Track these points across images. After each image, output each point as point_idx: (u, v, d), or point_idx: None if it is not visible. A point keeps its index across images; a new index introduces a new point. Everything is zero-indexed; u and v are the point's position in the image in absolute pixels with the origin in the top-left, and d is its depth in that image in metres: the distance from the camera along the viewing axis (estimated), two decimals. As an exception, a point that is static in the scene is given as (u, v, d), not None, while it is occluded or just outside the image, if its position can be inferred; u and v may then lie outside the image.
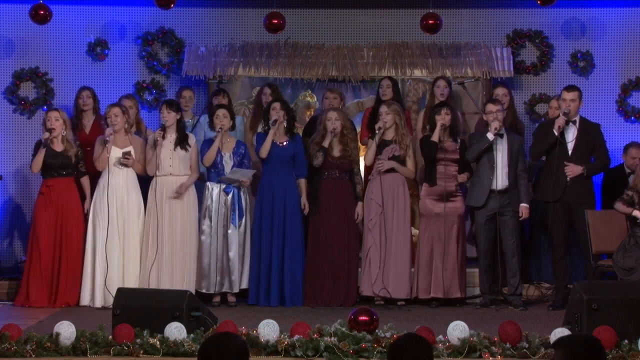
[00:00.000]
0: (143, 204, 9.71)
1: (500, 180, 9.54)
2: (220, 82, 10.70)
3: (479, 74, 10.82)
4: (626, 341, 7.00)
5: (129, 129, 9.84)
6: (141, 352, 7.03)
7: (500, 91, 10.32)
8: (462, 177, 9.70)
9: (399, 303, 9.58)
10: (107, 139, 9.59)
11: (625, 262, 8.99)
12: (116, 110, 9.70)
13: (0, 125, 11.24)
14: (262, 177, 9.84)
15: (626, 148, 10.46)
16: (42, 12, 10.50)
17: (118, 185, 9.64)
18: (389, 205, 9.64)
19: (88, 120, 10.44)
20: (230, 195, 9.64)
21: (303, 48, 11.05)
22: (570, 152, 9.61)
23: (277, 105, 9.78)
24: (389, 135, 9.75)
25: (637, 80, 11.23)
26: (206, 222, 9.65)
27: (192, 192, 9.76)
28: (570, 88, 9.70)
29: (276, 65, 10.93)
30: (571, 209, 9.57)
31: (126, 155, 9.66)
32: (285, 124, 9.74)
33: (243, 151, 9.78)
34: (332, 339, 7.03)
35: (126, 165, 9.68)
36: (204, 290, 9.59)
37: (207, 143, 9.77)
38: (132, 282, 9.53)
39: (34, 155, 9.78)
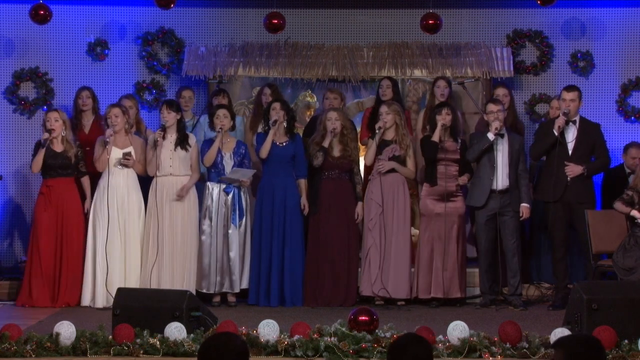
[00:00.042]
0: (144, 204, 9.71)
1: (501, 180, 9.54)
2: (220, 82, 10.70)
3: (479, 74, 10.82)
4: (626, 341, 7.00)
5: (129, 130, 9.84)
6: (141, 352, 7.03)
7: (500, 91, 10.31)
8: (463, 180, 9.69)
9: (399, 303, 9.58)
10: (108, 140, 9.59)
11: (625, 262, 8.99)
12: (116, 110, 9.70)
13: (0, 125, 11.24)
14: (262, 177, 9.84)
15: (626, 148, 10.46)
16: (42, 12, 10.50)
17: (118, 185, 9.64)
18: (389, 205, 9.64)
19: (87, 120, 10.44)
20: (230, 195, 9.64)
21: (303, 48, 11.05)
22: (570, 152, 9.61)
23: (277, 105, 9.78)
24: (389, 135, 9.75)
25: (637, 80, 11.23)
26: (206, 222, 9.65)
27: (192, 193, 9.75)
28: (570, 88, 9.71)
29: (276, 65, 10.93)
30: (571, 209, 9.57)
31: (126, 156, 9.66)
32: (285, 124, 9.74)
33: (243, 151, 9.78)
34: (332, 339, 7.03)
35: (126, 166, 9.68)
36: (204, 290, 9.59)
37: (207, 143, 9.77)
38: (133, 283, 9.53)
39: (34, 155, 9.78)
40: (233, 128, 9.84)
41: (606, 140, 9.84)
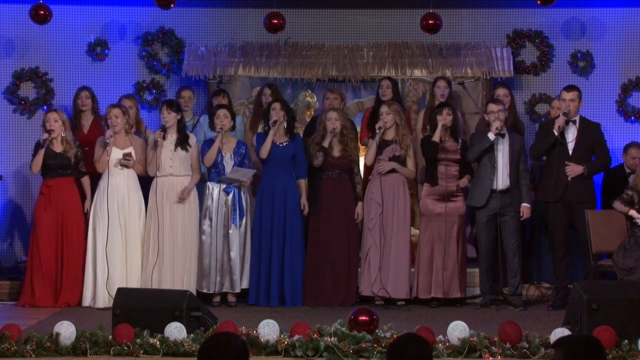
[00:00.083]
0: (144, 204, 9.71)
1: (501, 180, 9.54)
2: (220, 82, 10.70)
3: (479, 74, 10.82)
4: (626, 341, 7.00)
5: (130, 130, 9.84)
6: (141, 352, 7.03)
7: (501, 92, 10.31)
8: (463, 182, 9.69)
9: (399, 303, 9.58)
10: (108, 141, 9.59)
11: (625, 262, 8.99)
12: (116, 111, 9.69)
13: (0, 125, 11.24)
14: (262, 178, 9.84)
15: (626, 148, 10.46)
16: (42, 12, 10.50)
17: (119, 186, 9.64)
18: (389, 205, 9.64)
19: (87, 120, 10.44)
20: (230, 195, 9.64)
21: (303, 48, 11.05)
22: (570, 152, 9.61)
23: (277, 105, 9.78)
24: (390, 135, 9.75)
25: (637, 80, 11.23)
26: (206, 222, 9.65)
27: (193, 193, 9.75)
28: (569, 88, 9.71)
29: (276, 65, 10.93)
30: (572, 208, 9.57)
31: (127, 156, 9.66)
32: (285, 124, 9.74)
33: (244, 151, 9.78)
34: (332, 339, 7.03)
35: (127, 167, 9.68)
36: (204, 290, 9.59)
37: (208, 143, 9.77)
38: (134, 283, 9.53)
39: (34, 155, 9.78)
40: (233, 128, 9.84)
41: (606, 140, 9.84)
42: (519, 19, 11.30)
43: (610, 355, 6.85)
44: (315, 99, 11.08)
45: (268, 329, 7.14)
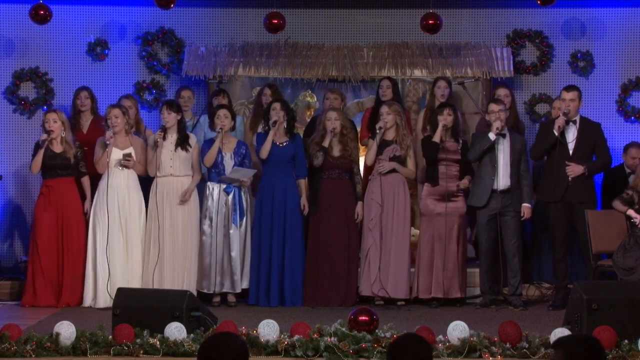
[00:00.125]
0: (144, 204, 9.71)
1: (502, 180, 9.54)
2: (220, 82, 10.70)
3: (479, 74, 10.82)
4: (626, 341, 7.00)
5: (130, 130, 9.84)
6: (141, 352, 7.03)
7: (501, 92, 10.30)
8: (464, 183, 9.68)
9: (399, 303, 9.58)
10: (108, 142, 9.59)
11: (625, 262, 8.99)
12: (116, 111, 9.69)
13: (0, 125, 11.24)
14: (262, 177, 9.84)
15: (626, 148, 10.46)
16: (42, 12, 10.50)
17: (119, 186, 9.64)
18: (389, 205, 9.64)
19: (86, 120, 10.44)
20: (231, 195, 9.64)
21: (303, 48, 11.05)
22: (571, 152, 9.61)
23: (277, 105, 9.77)
24: (390, 135, 9.75)
25: (637, 80, 11.23)
26: (207, 222, 9.65)
27: (193, 193, 9.75)
28: (569, 88, 9.71)
29: (276, 65, 10.93)
30: (572, 209, 9.57)
31: (127, 157, 9.66)
32: (285, 124, 9.74)
33: (244, 151, 9.78)
34: (332, 339, 7.03)
35: (127, 167, 9.68)
36: (205, 290, 9.59)
37: (208, 143, 9.77)
38: (135, 283, 9.53)
39: (34, 156, 9.77)
40: (233, 128, 9.84)
41: (606, 139, 9.83)
42: (519, 19, 11.30)
43: (610, 355, 6.85)
44: (315, 99, 11.08)
45: (268, 329, 7.14)
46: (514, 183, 9.54)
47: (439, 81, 10.42)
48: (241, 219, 9.65)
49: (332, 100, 10.23)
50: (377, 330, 7.17)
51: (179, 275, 9.60)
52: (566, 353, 4.03)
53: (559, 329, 7.15)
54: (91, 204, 9.71)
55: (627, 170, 10.30)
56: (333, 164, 9.75)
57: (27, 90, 11.26)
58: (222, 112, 9.69)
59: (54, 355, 7.05)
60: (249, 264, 9.69)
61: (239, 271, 9.63)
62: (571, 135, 9.63)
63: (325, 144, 9.71)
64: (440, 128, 9.60)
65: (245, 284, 9.69)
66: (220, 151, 9.66)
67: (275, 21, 10.51)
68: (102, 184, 9.66)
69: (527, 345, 7.05)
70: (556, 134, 9.51)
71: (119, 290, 7.73)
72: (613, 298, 7.37)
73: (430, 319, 8.65)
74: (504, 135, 9.57)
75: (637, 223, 9.02)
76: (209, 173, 9.77)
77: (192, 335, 7.17)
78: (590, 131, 9.68)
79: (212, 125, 9.79)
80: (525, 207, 9.55)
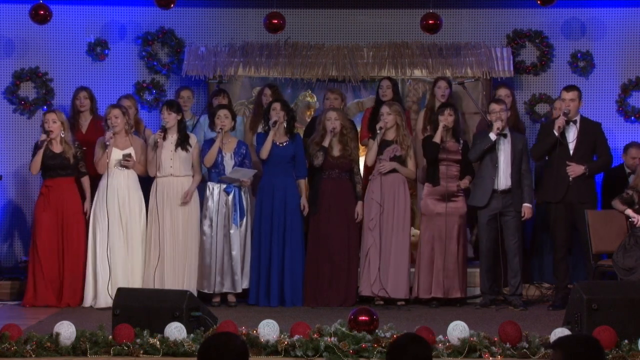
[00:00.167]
0: (144, 204, 9.71)
1: (503, 180, 9.54)
2: (220, 82, 10.70)
3: (479, 74, 10.81)
4: (626, 341, 7.00)
5: (129, 130, 9.84)
6: (141, 352, 7.03)
7: (502, 92, 10.29)
8: (464, 183, 9.68)
9: (399, 303, 9.58)
10: (108, 142, 9.59)
11: (625, 262, 8.99)
12: (116, 111, 9.69)
13: (0, 125, 11.25)
14: (262, 177, 9.84)
15: (626, 148, 10.46)
16: (42, 12, 10.50)
17: (120, 186, 9.64)
18: (389, 205, 9.64)
19: (85, 120, 10.44)
20: (231, 195, 9.64)
21: (303, 48, 11.05)
22: (571, 152, 9.61)
23: (277, 105, 9.77)
24: (390, 135, 9.75)
25: (637, 80, 11.23)
26: (207, 222, 9.65)
27: (193, 193, 9.76)
28: (569, 88, 9.70)
29: (276, 65, 10.93)
30: (573, 209, 9.56)
31: (126, 157, 9.66)
32: (285, 124, 9.74)
33: (244, 151, 9.78)
34: (332, 339, 7.03)
35: (127, 167, 9.68)
36: (205, 291, 9.59)
37: (208, 143, 9.77)
38: (136, 283, 9.53)
39: (33, 156, 9.77)
40: (233, 128, 9.84)
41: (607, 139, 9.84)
42: (519, 19, 11.30)
43: (610, 355, 6.85)
44: (315, 99, 11.08)
45: (268, 329, 7.14)
46: (514, 183, 9.54)
47: (439, 81, 10.41)
48: (241, 219, 9.65)
49: (332, 100, 10.23)
50: (377, 330, 7.17)
51: (179, 276, 9.60)
52: (565, 353, 4.03)
53: (559, 329, 7.15)
54: (91, 204, 9.71)
55: (627, 170, 10.30)
56: (333, 164, 9.75)
57: (27, 90, 11.27)
58: (223, 113, 9.69)
59: (54, 355, 7.05)
60: (248, 264, 9.69)
61: (240, 271, 9.63)
62: (572, 135, 9.63)
63: (325, 143, 9.71)
64: (440, 128, 9.59)
65: (245, 284, 9.69)
66: (220, 151, 9.66)
67: (275, 21, 10.51)
68: (102, 184, 9.66)
69: (527, 345, 7.05)
70: (556, 134, 9.51)
71: (119, 290, 7.73)
72: (613, 298, 7.37)
73: (430, 319, 8.65)
74: (505, 135, 9.57)
75: (635, 222, 9.02)
76: (209, 173, 9.77)
77: (192, 335, 7.17)
78: (591, 131, 9.68)
79: (212, 126, 9.79)
80: (526, 207, 9.54)
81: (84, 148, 9.88)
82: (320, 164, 9.70)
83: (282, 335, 7.13)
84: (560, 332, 6.95)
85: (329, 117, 9.75)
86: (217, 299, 9.64)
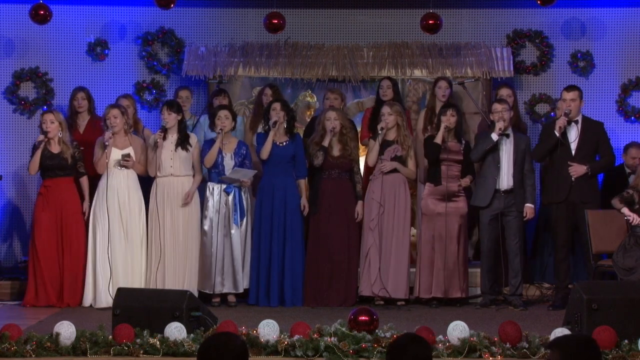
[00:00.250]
0: (144, 204, 9.71)
1: (505, 180, 9.53)
2: (220, 82, 10.70)
3: (479, 74, 10.81)
4: (626, 341, 7.00)
5: (129, 130, 9.84)
6: (141, 352, 7.03)
7: (504, 92, 10.28)
8: (465, 182, 9.69)
9: (399, 303, 9.58)
10: (107, 142, 9.59)
11: (625, 262, 8.98)
12: (115, 111, 9.69)
13: (0, 125, 11.25)
14: (262, 177, 9.84)
15: (626, 148, 10.46)
16: (42, 12, 10.50)
17: (120, 186, 9.64)
18: (389, 205, 9.64)
19: (82, 120, 10.43)
20: (231, 196, 9.64)
21: (303, 48, 11.05)
22: (573, 152, 9.60)
23: (277, 105, 9.77)
24: (391, 135, 9.75)
25: (637, 80, 11.23)
26: (207, 222, 9.65)
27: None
28: (570, 88, 9.70)
29: (276, 65, 10.93)
30: (575, 209, 9.55)
31: (125, 157, 9.66)
32: (285, 124, 9.74)
33: (244, 152, 9.77)
34: (332, 339, 7.03)
35: (126, 167, 9.68)
36: (206, 291, 9.59)
37: (208, 144, 9.77)
38: (136, 283, 9.53)
39: (32, 157, 9.77)
40: (234, 128, 9.84)
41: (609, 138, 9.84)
42: (519, 19, 11.30)
43: (610, 355, 6.85)
44: (315, 99, 11.08)
45: (268, 329, 7.14)
46: (517, 183, 9.53)
47: (439, 81, 10.41)
48: (242, 219, 9.65)
49: (332, 100, 10.23)
50: (377, 330, 7.17)
51: (180, 276, 9.61)
52: (562, 353, 4.03)
53: (559, 329, 7.15)
54: (90, 204, 9.72)
55: (627, 170, 10.30)
56: (333, 164, 9.75)
57: (27, 90, 11.27)
58: (223, 113, 9.69)
59: (54, 355, 7.06)
60: (249, 264, 9.69)
61: (241, 271, 9.62)
62: (573, 135, 9.62)
63: (325, 143, 9.71)
64: (442, 129, 9.59)
65: (245, 284, 9.69)
66: (220, 152, 9.66)
67: (275, 21, 10.51)
68: (102, 184, 9.66)
69: (527, 345, 7.05)
70: (557, 134, 9.50)
71: (119, 290, 7.73)
72: (613, 298, 7.37)
73: (430, 319, 8.65)
74: (507, 136, 9.57)
75: (630, 221, 9.02)
76: (210, 173, 9.77)
77: (192, 335, 7.17)
78: (593, 130, 9.67)
79: (212, 126, 9.79)
80: (528, 207, 9.53)
81: (82, 148, 9.87)
82: (320, 163, 9.71)
83: (282, 335, 7.13)
84: (560, 332, 6.95)
85: (328, 117, 9.75)
86: (217, 299, 9.64)
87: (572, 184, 9.54)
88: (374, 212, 9.63)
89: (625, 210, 9.01)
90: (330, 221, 9.71)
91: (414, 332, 6.47)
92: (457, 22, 11.24)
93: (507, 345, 7.04)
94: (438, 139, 9.59)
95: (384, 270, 9.51)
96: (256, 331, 7.15)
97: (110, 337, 7.13)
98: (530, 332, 7.30)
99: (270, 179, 9.73)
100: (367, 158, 9.91)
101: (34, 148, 9.79)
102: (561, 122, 9.49)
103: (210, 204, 9.64)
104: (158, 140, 9.60)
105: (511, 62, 10.88)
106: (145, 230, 9.68)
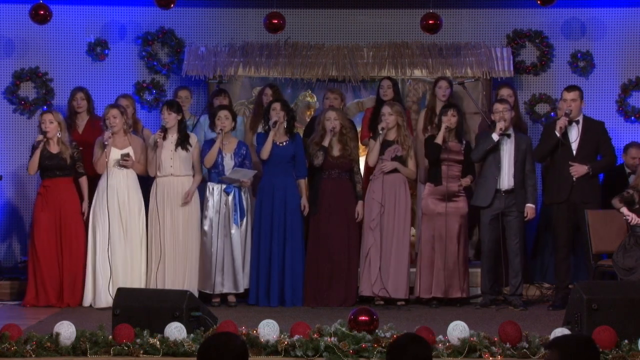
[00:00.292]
0: (144, 203, 9.71)
1: (506, 180, 9.53)
2: (220, 82, 10.70)
3: (479, 74, 10.81)
4: (626, 341, 7.00)
5: (128, 130, 9.84)
6: (141, 352, 7.03)
7: (505, 92, 10.27)
8: (466, 181, 9.69)
9: (399, 303, 9.58)
10: (106, 142, 9.59)
11: (625, 262, 8.98)
12: (115, 111, 9.69)
13: (0, 125, 11.25)
14: (262, 178, 9.84)
15: (626, 148, 10.46)
16: (42, 12, 10.50)
17: (119, 186, 9.64)
18: (390, 205, 9.64)
19: (81, 121, 10.42)
20: (231, 196, 9.64)
21: (303, 48, 11.05)
22: (574, 152, 9.59)
23: (277, 105, 9.77)
24: (391, 135, 9.75)
25: (637, 80, 11.23)
26: (207, 222, 9.65)
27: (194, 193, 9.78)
28: (570, 88, 9.70)
29: (276, 65, 10.93)
30: (576, 209, 9.55)
31: (125, 157, 9.66)
32: (285, 124, 9.74)
33: (244, 152, 9.77)
34: (332, 339, 7.03)
35: (125, 167, 9.68)
36: (206, 291, 9.59)
37: (208, 144, 9.77)
38: (136, 283, 9.52)
39: (31, 157, 9.77)
40: (234, 128, 9.85)
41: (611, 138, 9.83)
42: (519, 19, 11.30)
43: (610, 355, 6.85)
44: (315, 99, 11.08)
45: (268, 329, 7.15)
46: (518, 183, 9.53)
47: (440, 81, 10.40)
48: (242, 219, 9.65)
49: (332, 100, 10.23)
50: (377, 330, 7.17)
51: (180, 276, 9.61)
52: (562, 353, 4.03)
53: (559, 329, 7.15)
54: (89, 204, 9.72)
55: (627, 170, 10.30)
56: (333, 164, 9.75)
57: (27, 90, 11.27)
58: (223, 114, 9.69)
59: (54, 355, 7.06)
60: (249, 264, 9.69)
61: (241, 271, 9.62)
62: (574, 135, 9.62)
63: (325, 143, 9.71)
64: (442, 129, 9.58)
65: (245, 284, 9.69)
66: (220, 152, 9.66)
67: (275, 21, 10.51)
68: (102, 184, 9.66)
69: (527, 345, 7.05)
70: (558, 134, 9.50)
71: (119, 290, 7.73)
72: (613, 298, 7.37)
73: (430, 319, 8.65)
74: (508, 136, 9.56)
75: (629, 221, 9.02)
76: (209, 173, 9.77)
77: (192, 335, 7.17)
78: (594, 130, 9.67)
79: (212, 126, 9.79)
80: (529, 207, 9.52)
81: (81, 148, 9.87)
82: (320, 163, 9.71)
83: (282, 335, 7.13)
84: (560, 332, 6.95)
85: (328, 117, 9.75)
86: (217, 299, 9.64)
87: (573, 184, 9.53)
88: (374, 212, 9.63)
89: (624, 209, 9.01)
90: (330, 221, 9.71)
91: (414, 332, 6.47)
92: (457, 22, 11.25)
93: (507, 345, 7.05)
94: (439, 139, 9.59)
95: (384, 270, 9.52)
96: (256, 331, 7.15)
97: (110, 337, 7.13)
98: (530, 332, 7.30)
99: (270, 179, 9.74)
100: (368, 158, 9.91)
101: (33, 148, 9.79)
102: (562, 122, 9.49)
103: (210, 204, 9.64)
104: (158, 140, 9.61)
105: (511, 62, 10.88)
106: (145, 230, 9.69)
